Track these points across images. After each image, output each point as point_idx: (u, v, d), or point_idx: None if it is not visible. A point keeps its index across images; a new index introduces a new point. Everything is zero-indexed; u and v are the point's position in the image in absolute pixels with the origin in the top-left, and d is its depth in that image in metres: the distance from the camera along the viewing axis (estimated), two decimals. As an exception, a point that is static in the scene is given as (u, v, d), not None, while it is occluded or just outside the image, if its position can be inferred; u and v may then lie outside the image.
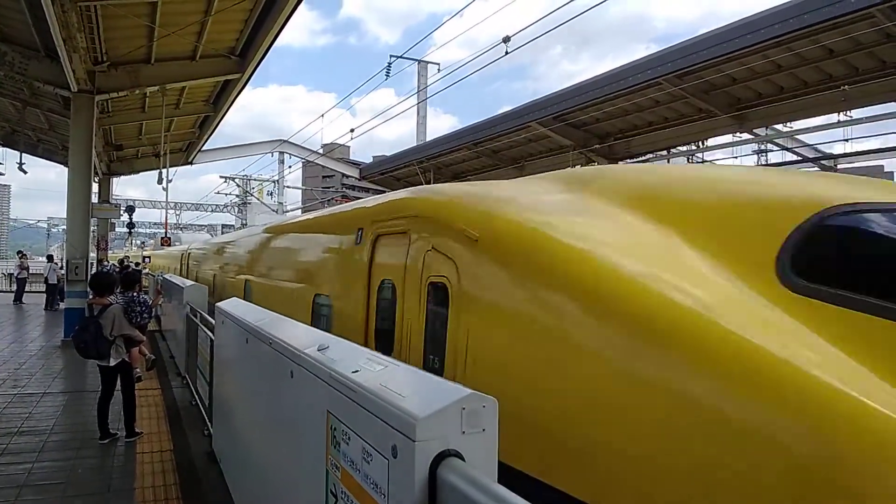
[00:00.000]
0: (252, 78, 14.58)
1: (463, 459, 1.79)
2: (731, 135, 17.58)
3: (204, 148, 24.83)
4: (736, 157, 22.97)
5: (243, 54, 13.57)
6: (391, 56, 27.49)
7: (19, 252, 24.90)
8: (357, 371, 2.42)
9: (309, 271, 7.33)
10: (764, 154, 23.57)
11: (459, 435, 1.82)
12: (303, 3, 10.61)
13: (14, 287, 21.71)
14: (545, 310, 3.14)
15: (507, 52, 13.97)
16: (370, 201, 6.52)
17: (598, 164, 19.87)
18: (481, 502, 1.54)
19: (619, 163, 19.69)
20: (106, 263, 21.23)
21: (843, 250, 2.79)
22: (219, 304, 6.51)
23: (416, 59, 28.05)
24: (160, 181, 18.49)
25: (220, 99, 17.29)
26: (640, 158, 19.54)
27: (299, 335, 3.62)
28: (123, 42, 12.22)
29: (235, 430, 4.96)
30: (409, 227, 4.56)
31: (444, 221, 4.12)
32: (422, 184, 27.09)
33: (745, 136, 17.67)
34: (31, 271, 22.07)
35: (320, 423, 2.61)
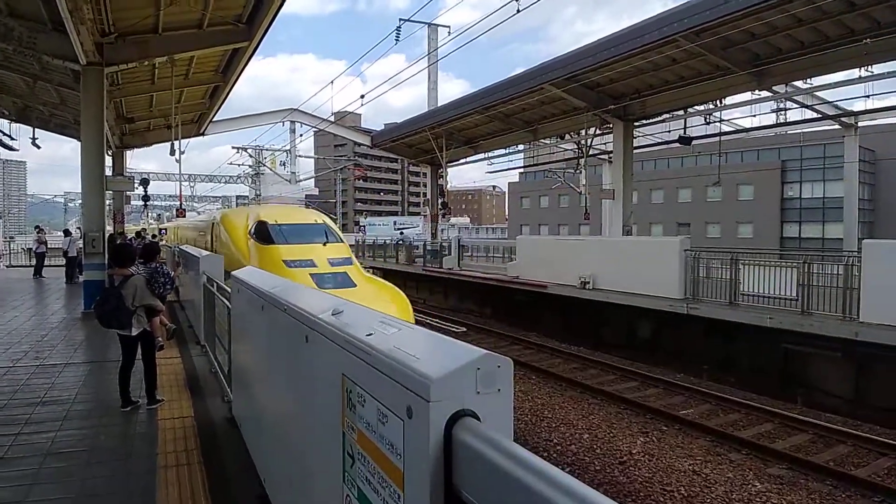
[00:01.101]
0: (260, 46, 14.46)
1: (478, 419, 1.80)
2: (749, 93, 17.19)
3: (215, 119, 24.77)
4: (755, 116, 22.48)
5: (250, 22, 13.39)
6: (400, 20, 26.99)
7: (37, 227, 25.24)
8: (371, 334, 2.42)
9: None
10: (783, 112, 23.00)
11: (474, 395, 1.82)
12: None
13: (34, 261, 22.08)
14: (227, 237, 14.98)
15: (518, 11, 13.64)
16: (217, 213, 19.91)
17: (613, 125, 19.61)
18: (495, 460, 1.55)
19: (635, 123, 19.41)
20: (128, 236, 21.50)
21: (260, 232, 13.70)
22: (234, 272, 6.55)
23: (426, 23, 27.56)
24: (172, 153, 18.56)
25: (230, 68, 17.16)
26: (656, 119, 19.20)
27: (313, 301, 3.63)
28: (130, 13, 12.09)
29: (254, 395, 5.03)
30: (216, 220, 16.62)
31: (220, 219, 16.25)
32: (434, 150, 26.98)
33: (764, 93, 17.27)
34: (48, 245, 22.39)
35: (336, 386, 2.63)
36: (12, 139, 21.41)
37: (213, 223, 17.38)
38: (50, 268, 21.93)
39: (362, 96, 24.16)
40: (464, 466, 1.73)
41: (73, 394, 6.81)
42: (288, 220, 14.26)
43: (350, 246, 34.04)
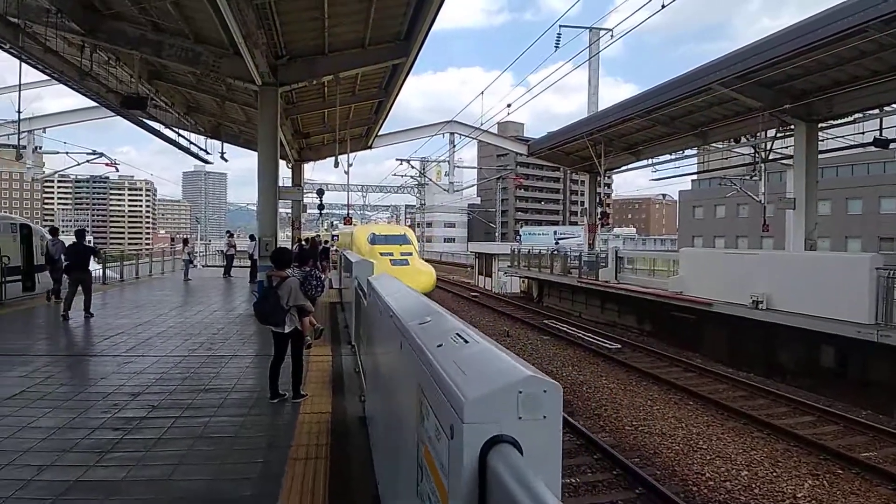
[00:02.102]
0: (417, 61, 15.09)
1: (519, 447, 1.63)
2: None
3: (380, 133, 26.33)
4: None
5: (407, 38, 14.02)
6: (560, 26, 26.63)
7: (228, 231, 28.72)
8: (440, 346, 2.34)
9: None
10: None
11: (515, 420, 1.65)
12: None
13: (224, 262, 25.07)
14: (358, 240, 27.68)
15: (663, 6, 12.81)
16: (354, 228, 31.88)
17: (794, 126, 17.57)
18: (522, 500, 1.39)
19: (819, 125, 17.19)
20: (303, 242, 23.63)
21: (371, 238, 27.41)
22: (370, 277, 6.85)
23: (585, 27, 26.93)
24: (336, 165, 20.06)
25: (391, 83, 18.11)
26: (844, 119, 16.87)
27: (410, 307, 3.64)
28: (300, 35, 13.28)
29: (376, 396, 5.19)
30: (353, 231, 30.90)
31: (355, 231, 31.02)
32: (592, 158, 26.20)
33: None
34: (237, 248, 25.28)
35: (414, 396, 2.59)
36: (207, 153, 24.61)
37: (352, 233, 30.80)
38: (238, 268, 24.72)
39: (508, 105, 24.11)
40: (496, 498, 1.58)
41: (233, 383, 7.51)
42: (385, 233, 28.67)
43: (506, 255, 34.52)
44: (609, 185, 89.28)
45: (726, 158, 28.53)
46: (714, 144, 23.86)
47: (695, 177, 57.93)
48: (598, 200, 30.12)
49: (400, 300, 4.08)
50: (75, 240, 12.83)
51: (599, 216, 29.87)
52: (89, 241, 13.26)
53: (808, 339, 13.36)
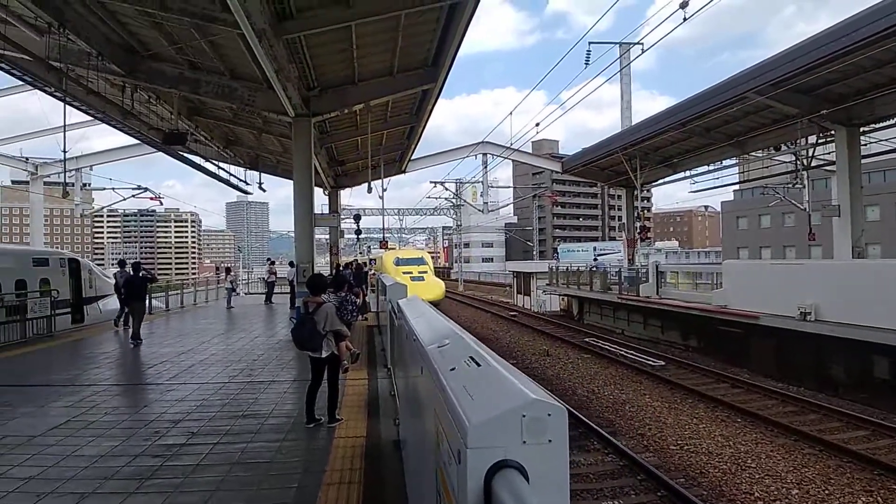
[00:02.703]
0: (446, 85, 15.29)
1: (524, 472, 1.60)
2: None
3: (414, 157, 26.63)
4: None
5: (434, 64, 14.21)
6: (589, 42, 26.59)
7: (268, 259, 29.30)
8: (453, 369, 2.33)
9: None
10: None
11: (519, 445, 1.63)
12: (490, 9, 10.75)
13: (266, 290, 25.56)
14: (387, 263, 35.01)
15: (685, 19, 12.66)
16: (382, 253, 38.23)
17: (835, 132, 17.04)
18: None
19: (862, 129, 16.62)
20: (343, 267, 23.93)
21: (396, 260, 35.49)
22: (399, 300, 6.88)
23: (615, 42, 26.80)
24: (370, 191, 20.36)
25: (421, 109, 18.35)
26: (888, 122, 16.28)
27: (432, 330, 3.63)
28: (329, 67, 13.62)
29: (407, 421, 5.17)
30: (382, 255, 38.68)
31: (384, 255, 37.40)
32: (627, 172, 25.91)
33: None
34: (277, 275, 25.77)
35: (432, 421, 2.57)
36: (247, 184, 25.28)
37: (382, 257, 37.40)
38: (279, 294, 25.15)
39: (537, 124, 24.01)
40: (501, 525, 1.55)
41: (271, 409, 7.61)
42: (406, 256, 36.33)
43: (545, 273, 34.43)
44: (648, 199, 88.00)
45: (767, 167, 27.82)
46: (753, 154, 23.31)
47: (736, 187, 56.59)
48: (636, 215, 29.71)
49: (422, 323, 4.08)
50: (131, 272, 13.75)
51: (639, 230, 29.43)
52: (144, 273, 14.05)
53: (860, 350, 12.81)
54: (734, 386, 14.60)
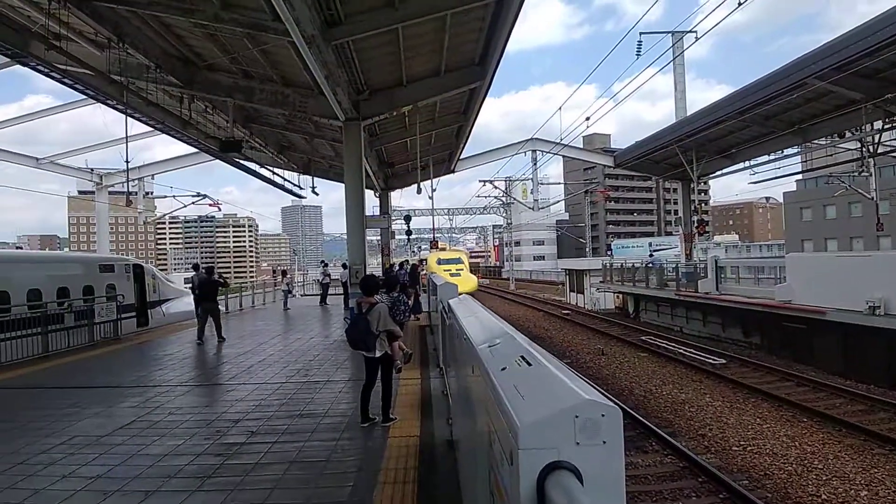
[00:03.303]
0: (494, 82, 15.19)
1: (578, 473, 1.57)
2: None
3: (462, 156, 26.62)
4: None
5: (482, 62, 14.16)
6: (641, 33, 25.98)
7: (322, 261, 29.88)
8: (504, 369, 2.31)
9: None
10: None
11: (573, 446, 1.59)
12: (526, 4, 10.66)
13: (320, 291, 26.08)
14: (431, 263, 41.09)
15: (739, 4, 12.15)
16: (427, 254, 49.04)
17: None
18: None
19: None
20: (396, 267, 24.22)
21: (437, 260, 41.56)
22: (450, 300, 6.89)
23: (667, 32, 26.09)
24: (419, 191, 20.51)
25: (469, 108, 18.33)
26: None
27: (483, 329, 3.61)
28: (378, 70, 13.77)
29: (460, 420, 5.17)
30: (427, 256, 47.12)
31: (430, 256, 45.03)
32: (682, 165, 25.17)
33: None
34: (332, 277, 26.25)
35: (485, 421, 2.55)
36: (301, 188, 25.84)
37: (428, 258, 43.18)
38: (333, 296, 25.60)
39: (587, 118, 23.49)
40: (556, 529, 1.52)
41: (326, 409, 7.73)
42: (447, 257, 42.74)
43: (598, 270, 33.99)
44: (705, 192, 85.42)
45: (831, 155, 26.54)
46: (816, 141, 22.25)
47: (799, 177, 54.19)
48: (692, 208, 28.86)
49: (473, 323, 4.07)
50: (206, 275, 14.59)
51: (696, 224, 28.58)
52: (216, 277, 14.80)
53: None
54: (799, 384, 14.01)
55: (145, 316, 18.44)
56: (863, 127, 18.57)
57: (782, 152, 23.51)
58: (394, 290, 9.19)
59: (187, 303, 22.66)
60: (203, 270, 15.28)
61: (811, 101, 17.90)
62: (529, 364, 2.25)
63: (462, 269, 40.58)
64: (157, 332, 16.80)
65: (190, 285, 17.39)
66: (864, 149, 20.71)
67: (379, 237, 29.48)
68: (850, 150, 23.49)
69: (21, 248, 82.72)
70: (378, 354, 6.95)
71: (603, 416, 1.60)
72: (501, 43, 12.51)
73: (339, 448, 6.14)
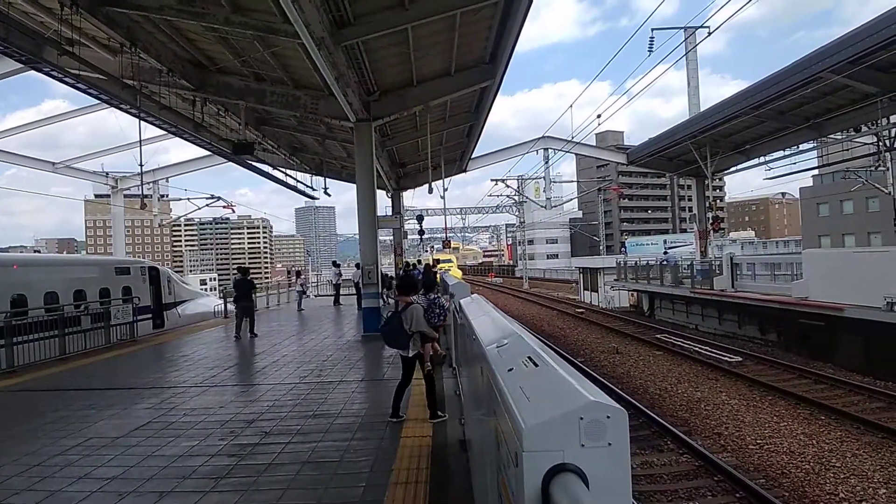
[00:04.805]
0: (504, 80, 15.14)
1: (583, 476, 1.55)
2: None
3: (474, 155, 26.58)
4: None
5: (492, 60, 14.12)
6: (652, 29, 25.79)
7: (334, 262, 29.98)
8: (511, 370, 2.30)
9: None
10: None
11: (578, 448, 1.58)
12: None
13: (333, 291, 26.21)
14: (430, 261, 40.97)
15: None
16: (430, 255, 59.73)
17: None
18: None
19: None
20: (411, 267, 24.27)
21: (436, 260, 48.09)
22: (461, 299, 6.87)
23: (679, 27, 25.87)
24: (431, 191, 20.51)
25: (480, 106, 18.29)
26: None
27: (492, 329, 3.59)
28: (388, 71, 13.79)
29: (471, 421, 5.16)
30: (431, 256, 57.68)
31: (432, 256, 53.86)
32: (696, 161, 24.92)
33: None
34: (343, 277, 26.39)
35: (493, 422, 2.54)
36: (313, 189, 25.96)
37: (431, 257, 51.93)
38: (346, 296, 25.70)
39: (598, 116, 23.32)
40: (560, 532, 1.50)
41: (340, 409, 7.75)
42: (442, 257, 51.92)
43: (612, 268, 33.83)
44: (720, 188, 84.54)
45: (847, 150, 26.17)
46: (832, 136, 21.95)
47: (815, 172, 53.47)
48: (707, 205, 28.59)
49: (483, 323, 4.05)
50: (240, 276, 15.66)
51: (711, 221, 28.31)
52: (250, 278, 15.67)
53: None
54: (817, 382, 13.83)
55: (161, 318, 18.62)
56: (879, 121, 18.30)
57: (798, 147, 23.23)
58: (432, 291, 9.17)
59: (202, 304, 22.91)
60: (238, 272, 16.27)
61: (826, 96, 17.66)
62: (536, 365, 2.24)
63: (451, 266, 50.86)
64: (172, 333, 16.97)
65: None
66: (880, 143, 20.41)
67: (392, 237, 29.53)
68: (866, 144, 23.17)
69: (39, 251, 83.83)
70: (411, 354, 7.06)
71: (608, 417, 1.59)
72: (511, 41, 12.47)
73: (351, 448, 6.16)
